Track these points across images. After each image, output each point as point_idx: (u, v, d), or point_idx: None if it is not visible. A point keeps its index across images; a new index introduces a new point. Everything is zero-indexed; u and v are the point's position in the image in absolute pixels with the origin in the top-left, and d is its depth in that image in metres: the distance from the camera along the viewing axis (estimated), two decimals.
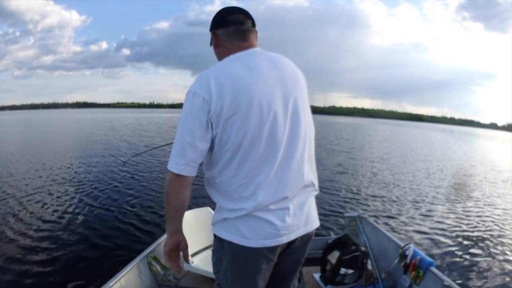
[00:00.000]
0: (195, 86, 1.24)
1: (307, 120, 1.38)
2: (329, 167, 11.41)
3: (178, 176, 1.23)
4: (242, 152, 1.24)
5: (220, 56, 1.38)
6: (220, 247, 1.35)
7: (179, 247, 1.37)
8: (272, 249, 1.30)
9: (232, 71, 1.26)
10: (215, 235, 1.37)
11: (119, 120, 42.94)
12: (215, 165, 1.29)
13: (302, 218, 1.36)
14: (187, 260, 1.44)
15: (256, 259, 1.31)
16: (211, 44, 1.47)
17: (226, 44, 1.37)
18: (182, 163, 1.22)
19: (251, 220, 1.27)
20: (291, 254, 1.40)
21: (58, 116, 65.33)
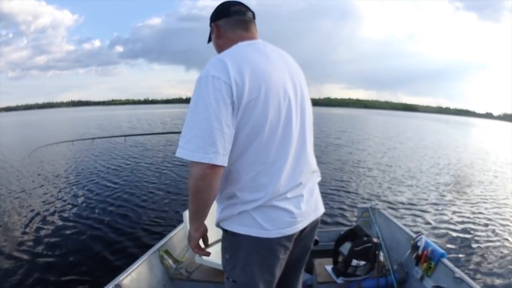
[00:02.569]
0: (212, 70, 1.18)
1: (310, 108, 1.43)
2: (335, 160, 11.43)
3: (213, 167, 1.14)
4: (261, 137, 1.22)
5: (221, 47, 1.37)
6: (234, 242, 1.32)
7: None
8: (289, 237, 1.31)
9: (248, 56, 1.25)
10: (226, 231, 1.33)
11: (109, 118, 42.83)
12: (231, 152, 1.21)
13: (312, 204, 1.40)
14: (207, 245, 1.42)
15: (275, 249, 1.30)
16: (209, 41, 1.48)
17: (228, 34, 1.38)
18: (212, 151, 1.13)
19: (269, 210, 1.26)
20: (301, 240, 1.41)
21: (51, 117, 64.73)
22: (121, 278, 2.25)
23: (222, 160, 1.15)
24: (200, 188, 1.18)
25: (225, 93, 1.15)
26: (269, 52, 1.33)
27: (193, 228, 1.34)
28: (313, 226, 1.44)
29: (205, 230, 1.39)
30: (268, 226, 1.25)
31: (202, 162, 1.13)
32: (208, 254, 1.43)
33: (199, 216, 1.29)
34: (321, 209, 1.47)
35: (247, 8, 1.41)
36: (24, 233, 5.00)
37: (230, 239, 1.33)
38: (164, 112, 54.23)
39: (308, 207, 1.36)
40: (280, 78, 1.27)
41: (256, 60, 1.25)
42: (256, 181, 1.25)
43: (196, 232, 1.35)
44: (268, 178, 1.25)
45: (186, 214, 2.68)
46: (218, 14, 1.40)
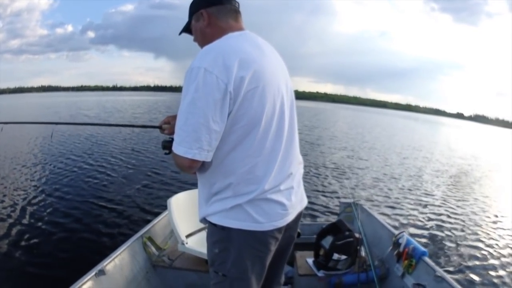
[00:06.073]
0: (204, 62, 1.13)
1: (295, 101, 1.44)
2: (316, 153, 11.57)
3: (192, 161, 1.17)
4: (257, 128, 1.20)
5: (210, 36, 1.31)
6: (225, 237, 1.28)
7: None
8: (280, 229, 1.32)
9: (242, 48, 1.22)
10: (215, 225, 1.29)
11: (70, 104, 41.67)
12: (224, 144, 1.21)
13: (299, 196, 1.42)
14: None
15: (268, 241, 1.30)
16: (182, 31, 1.45)
17: (219, 23, 1.33)
18: (195, 147, 1.14)
19: (262, 203, 1.25)
20: (286, 231, 1.39)
21: (18, 102, 62.27)
22: (104, 264, 2.24)
23: (206, 156, 1.17)
24: (183, 171, 1.26)
25: (216, 87, 1.11)
26: (261, 44, 1.31)
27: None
28: (297, 216, 1.44)
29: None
30: (261, 219, 1.24)
31: (184, 156, 1.16)
32: None
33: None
34: (305, 201, 1.49)
35: None
36: (6, 219, 4.91)
37: (219, 233, 1.29)
38: (125, 100, 54.48)
39: (296, 199, 1.37)
40: (273, 70, 1.27)
41: (250, 52, 1.22)
42: (252, 173, 1.23)
43: None
44: (263, 170, 1.24)
45: (171, 202, 2.72)
46: (210, 1, 1.33)
